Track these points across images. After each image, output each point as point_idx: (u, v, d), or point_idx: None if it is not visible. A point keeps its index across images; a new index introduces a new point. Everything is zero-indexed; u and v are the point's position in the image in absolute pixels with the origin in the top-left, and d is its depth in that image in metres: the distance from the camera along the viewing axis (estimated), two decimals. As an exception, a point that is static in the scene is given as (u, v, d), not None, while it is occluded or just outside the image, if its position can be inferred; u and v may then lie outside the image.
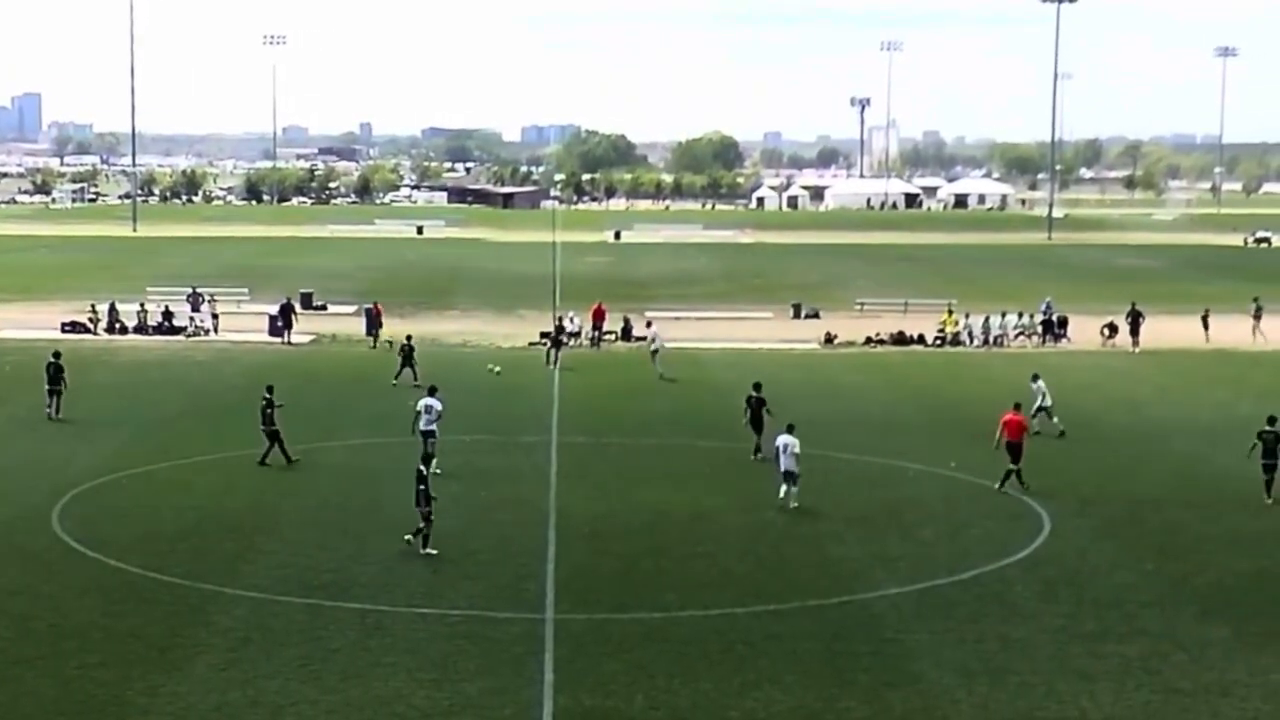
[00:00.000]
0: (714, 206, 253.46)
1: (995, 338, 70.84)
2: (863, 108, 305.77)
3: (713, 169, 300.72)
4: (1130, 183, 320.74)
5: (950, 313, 73.00)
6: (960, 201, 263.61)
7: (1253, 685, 24.51)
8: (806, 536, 34.00)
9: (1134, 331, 68.23)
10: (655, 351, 59.62)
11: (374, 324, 68.38)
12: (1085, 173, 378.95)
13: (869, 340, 70.12)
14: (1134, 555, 32.57)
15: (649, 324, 63.52)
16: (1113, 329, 69.90)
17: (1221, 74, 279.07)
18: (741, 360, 62.22)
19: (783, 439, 36.68)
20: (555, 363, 60.42)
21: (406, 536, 31.87)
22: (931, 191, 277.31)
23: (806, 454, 37.63)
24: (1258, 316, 71.86)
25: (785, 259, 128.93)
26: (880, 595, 29.33)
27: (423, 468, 32.63)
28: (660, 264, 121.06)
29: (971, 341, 70.58)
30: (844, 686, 24.27)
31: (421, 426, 39.81)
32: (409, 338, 57.38)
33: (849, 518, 35.66)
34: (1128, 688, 24.35)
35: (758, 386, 42.36)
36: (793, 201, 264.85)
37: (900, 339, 70.38)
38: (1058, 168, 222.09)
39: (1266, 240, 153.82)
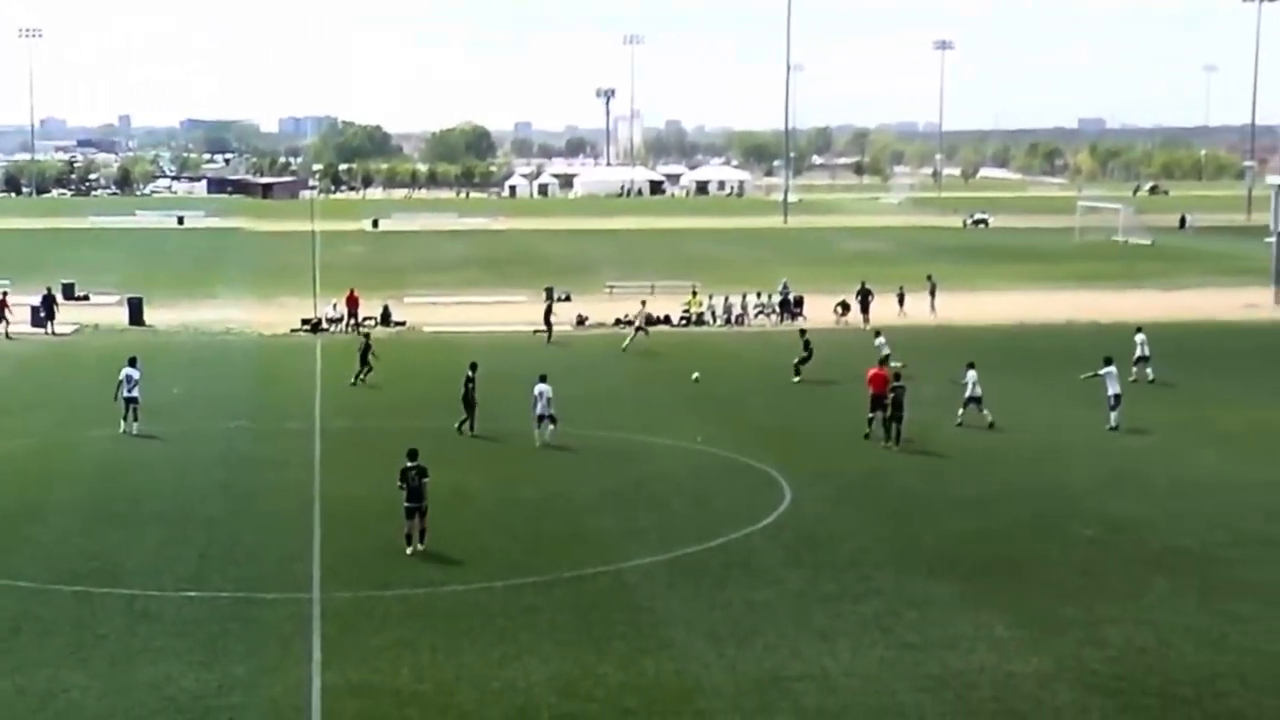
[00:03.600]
0: (468, 195, 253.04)
1: (736, 317, 73.56)
2: (608, 99, 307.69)
3: (466, 159, 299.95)
4: (859, 169, 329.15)
5: (695, 294, 75.32)
6: (702, 188, 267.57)
7: (977, 638, 26.18)
8: (562, 511, 35.20)
9: (864, 309, 71.26)
10: (639, 329, 63.54)
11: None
12: (817, 159, 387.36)
13: (619, 321, 71.61)
14: (868, 520, 34.43)
15: (643, 303, 67.26)
16: (845, 307, 72.69)
17: (940, 66, 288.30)
18: (496, 343, 63.30)
19: (540, 387, 41.96)
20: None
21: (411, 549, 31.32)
22: (675, 178, 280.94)
23: (562, 432, 39.78)
24: (933, 293, 75.89)
25: (538, 245, 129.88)
26: (633, 565, 30.55)
27: (409, 462, 31.74)
28: (417, 251, 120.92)
29: (715, 321, 73.13)
30: (600, 655, 25.28)
31: (125, 394, 43.14)
32: (368, 335, 56.60)
33: (602, 492, 36.99)
34: (864, 644, 25.82)
35: (474, 366, 44.59)
36: (543, 189, 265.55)
37: (648, 320, 71.94)
38: (792, 155, 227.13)
39: (984, 222, 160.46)
